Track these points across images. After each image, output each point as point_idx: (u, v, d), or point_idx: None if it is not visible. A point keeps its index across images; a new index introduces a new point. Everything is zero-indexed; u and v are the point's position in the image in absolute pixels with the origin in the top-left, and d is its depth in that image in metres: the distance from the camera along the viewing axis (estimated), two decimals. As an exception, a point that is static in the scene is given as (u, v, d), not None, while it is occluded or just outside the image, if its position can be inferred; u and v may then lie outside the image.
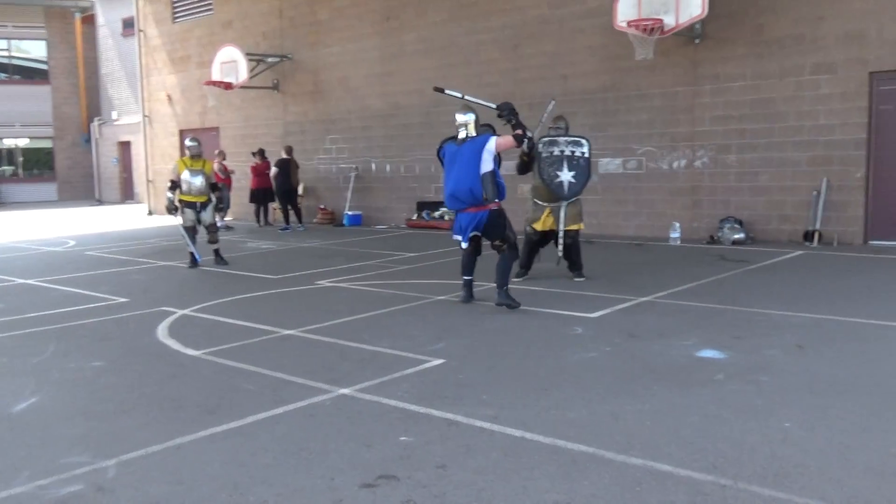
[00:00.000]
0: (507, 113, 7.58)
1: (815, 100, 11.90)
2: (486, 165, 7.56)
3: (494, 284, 7.87)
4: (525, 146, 8.23)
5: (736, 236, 12.16)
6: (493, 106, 7.77)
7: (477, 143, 7.63)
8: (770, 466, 3.79)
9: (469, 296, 8.06)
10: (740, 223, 12.42)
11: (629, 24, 12.17)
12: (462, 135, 7.79)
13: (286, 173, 17.17)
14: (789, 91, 12.11)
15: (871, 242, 11.66)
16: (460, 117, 7.87)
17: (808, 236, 11.80)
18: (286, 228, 17.05)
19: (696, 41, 12.83)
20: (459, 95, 7.97)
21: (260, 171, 18.21)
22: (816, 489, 3.54)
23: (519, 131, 7.56)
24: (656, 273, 9.77)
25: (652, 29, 12.01)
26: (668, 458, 3.91)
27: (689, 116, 13.10)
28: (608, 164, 14.10)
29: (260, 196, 18.35)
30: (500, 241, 7.85)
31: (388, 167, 17.59)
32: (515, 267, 8.78)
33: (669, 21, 11.97)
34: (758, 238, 12.42)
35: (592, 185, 13.99)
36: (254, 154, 18.45)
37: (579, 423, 4.45)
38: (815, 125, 11.91)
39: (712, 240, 12.48)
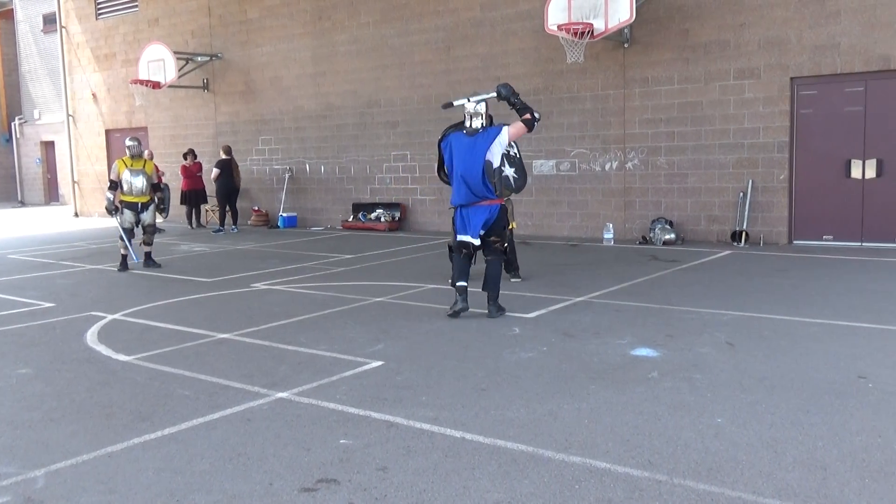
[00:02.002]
0: (508, 93, 7.37)
1: (739, 104, 12.25)
2: (497, 159, 7.29)
3: (437, 285, 7.87)
4: (531, 125, 7.50)
5: (667, 237, 12.44)
6: (493, 94, 7.51)
7: (491, 135, 7.32)
8: (703, 461, 3.88)
9: (466, 304, 7.37)
10: (671, 224, 12.70)
11: (560, 27, 12.34)
12: (476, 124, 7.40)
13: (228, 174, 16.91)
14: (715, 95, 12.44)
15: (795, 242, 12.06)
16: (473, 106, 7.44)
17: (736, 236, 12.14)
18: (219, 230, 16.76)
19: (626, 45, 13.07)
20: (465, 100, 7.68)
21: (191, 173, 17.88)
22: (748, 483, 3.64)
23: (527, 115, 7.28)
24: (591, 273, 9.91)
25: (582, 33, 12.19)
26: (606, 456, 3.97)
27: (619, 119, 13.34)
28: (542, 166, 14.26)
29: (191, 198, 18.02)
30: (499, 238, 7.49)
31: (322, 168, 17.44)
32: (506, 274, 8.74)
33: (599, 25, 12.17)
34: (688, 238, 12.72)
35: (527, 187, 14.14)
36: (184, 155, 18.09)
37: (518, 422, 4.48)
38: (740, 128, 12.26)
39: (644, 240, 12.74)
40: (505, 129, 7.37)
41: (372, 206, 16.52)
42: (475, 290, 7.97)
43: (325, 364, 5.86)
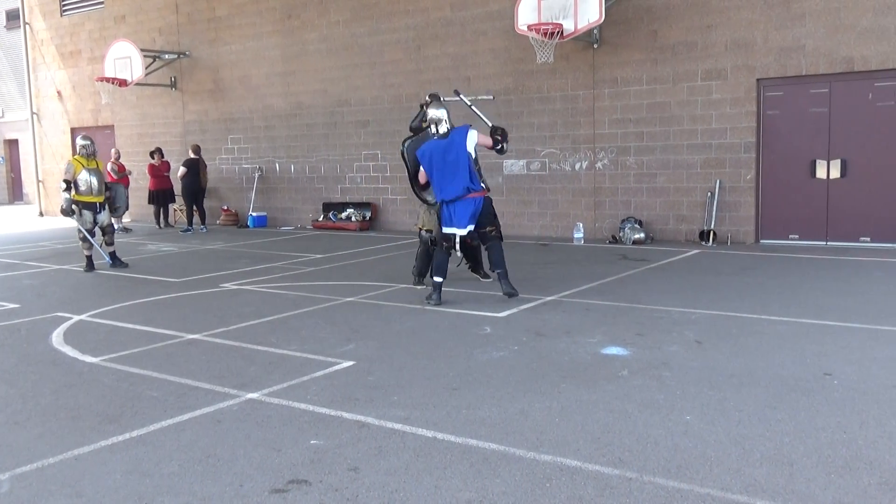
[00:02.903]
0: (499, 133, 8.26)
1: (707, 104, 12.38)
2: (473, 153, 7.93)
3: (410, 284, 7.88)
4: (496, 151, 8.41)
5: (636, 236, 12.54)
6: (489, 123, 8.50)
7: (461, 134, 7.89)
8: (673, 459, 3.92)
9: (440, 301, 7.94)
10: (640, 223, 12.80)
11: (530, 27, 12.38)
12: (442, 129, 7.98)
13: (195, 173, 16.75)
14: (683, 96, 12.56)
15: (762, 241, 12.22)
16: (436, 112, 8.04)
17: (704, 236, 12.27)
18: (188, 230, 16.60)
19: (595, 46, 13.15)
20: (468, 103, 8.62)
21: (158, 172, 17.69)
22: (717, 479, 3.68)
23: (498, 136, 8.22)
24: (561, 272, 9.97)
25: (552, 33, 12.24)
26: (577, 454, 4.00)
27: (589, 119, 13.42)
28: (512, 166, 14.30)
29: (159, 197, 17.84)
30: (492, 226, 8.08)
31: (292, 168, 17.35)
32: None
33: (568, 26, 12.23)
34: (657, 237, 12.83)
35: (498, 186, 14.18)
36: (151, 154, 17.89)
37: (490, 421, 4.50)
38: (708, 129, 12.40)
39: (614, 239, 12.83)
40: (473, 131, 7.97)
41: (342, 206, 16.46)
42: (447, 288, 7.94)
43: (295, 364, 5.84)
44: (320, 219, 16.60)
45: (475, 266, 9.39)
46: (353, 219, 16.07)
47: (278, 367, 5.77)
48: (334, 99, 16.50)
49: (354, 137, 16.31)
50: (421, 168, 8.28)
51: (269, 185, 17.79)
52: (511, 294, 8.03)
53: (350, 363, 5.82)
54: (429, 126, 8.17)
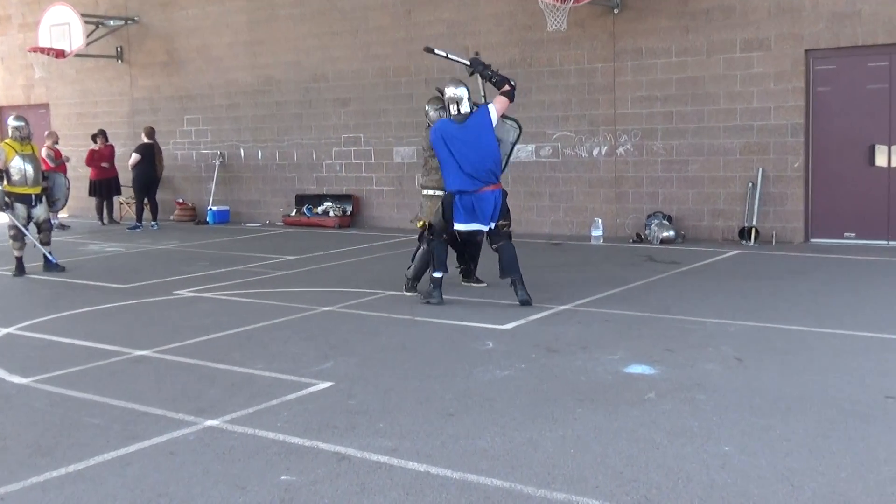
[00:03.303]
0: (480, 67, 8.40)
1: (747, 80, 12.38)
2: (494, 140, 8.27)
3: (401, 291, 7.94)
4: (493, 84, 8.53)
5: (665, 234, 12.53)
6: (467, 62, 8.57)
7: (483, 117, 8.23)
8: (709, 497, 3.90)
9: (442, 299, 8.34)
10: (669, 219, 12.80)
11: (540, -12, 12.36)
12: (465, 109, 8.30)
13: (149, 161, 16.71)
14: (719, 70, 12.56)
15: (812, 240, 12.22)
16: (453, 91, 8.36)
17: (744, 234, 12.27)
18: (136, 227, 16.57)
19: (615, 11, 13.15)
20: (444, 55, 8.76)
21: (102, 158, 17.62)
22: (762, 521, 3.67)
23: (506, 86, 8.30)
24: (577, 277, 9.96)
25: (566, -4, 12.23)
26: (595, 491, 3.98)
27: (609, 97, 13.41)
28: (519, 152, 14.24)
29: (102, 188, 17.80)
30: (507, 222, 8.43)
31: (260, 154, 17.32)
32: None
33: (585, -14, 12.23)
34: (689, 236, 12.83)
35: (503, 176, 14.15)
36: (94, 137, 17.84)
37: (492, 453, 4.48)
38: (748, 108, 12.40)
39: (639, 238, 12.82)
40: (491, 107, 8.30)
41: (319, 199, 16.44)
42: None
43: (263, 385, 5.82)
44: (293, 214, 16.57)
45: (468, 271, 9.35)
46: (332, 214, 16.05)
47: (243, 389, 5.74)
48: (309, 73, 16.47)
49: (333, 118, 16.29)
50: None
51: (232, 174, 17.76)
52: (526, 302, 8.18)
53: (328, 384, 5.80)
54: (447, 107, 8.43)
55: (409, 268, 9.17)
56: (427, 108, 9.21)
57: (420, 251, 9.04)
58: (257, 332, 7.51)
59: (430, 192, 8.92)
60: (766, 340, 6.73)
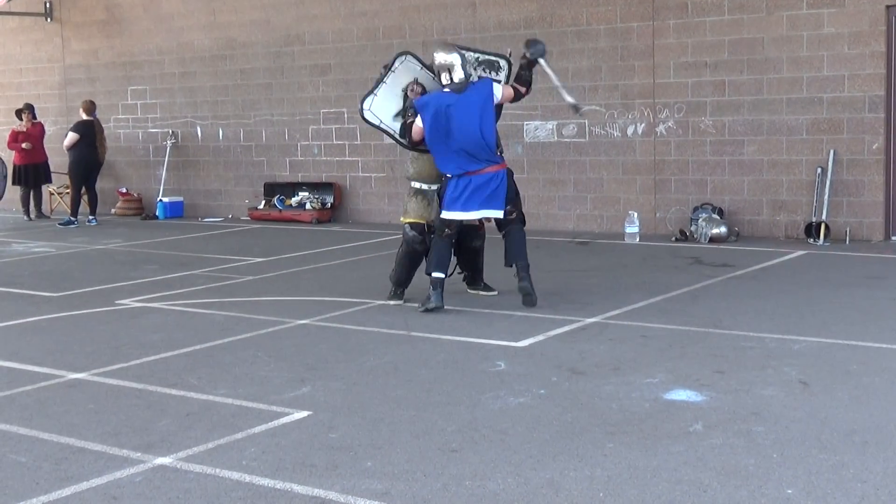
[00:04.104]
0: (540, 52, 8.93)
1: (815, 42, 12.38)
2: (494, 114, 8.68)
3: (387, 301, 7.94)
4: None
5: (715, 230, 12.53)
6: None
7: (484, 88, 8.63)
8: (769, 550, 3.92)
9: (442, 302, 8.60)
10: (721, 213, 12.80)
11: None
12: (459, 76, 8.61)
13: (89, 142, 16.72)
14: (781, 30, 12.57)
15: (894, 239, 12.23)
16: (446, 57, 8.70)
17: (812, 230, 12.27)
18: (71, 223, 16.60)
19: (657, -42, 13.20)
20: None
21: (28, 139, 17.59)
22: (831, 579, 3.69)
23: (525, 89, 8.90)
24: (608, 283, 9.97)
25: (596, -60, 12.27)
26: (631, 544, 4.00)
27: (647, 63, 13.41)
28: (537, 130, 14.31)
29: (28, 175, 17.78)
30: (514, 207, 8.79)
31: (221, 133, 17.33)
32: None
33: (620, -71, 12.27)
34: (744, 233, 12.84)
35: (516, 159, 14.21)
36: (18, 113, 17.85)
37: (505, 497, 4.49)
38: (817, 77, 12.40)
39: (683, 235, 12.83)
40: (496, 85, 8.76)
41: (293, 188, 16.46)
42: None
43: (225, 415, 5.82)
44: (261, 206, 16.58)
45: (474, 276, 9.39)
46: (308, 206, 16.06)
47: (200, 420, 5.74)
48: (280, 34, 16.48)
49: (310, 89, 16.30)
50: (417, 122, 8.67)
51: (187, 158, 17.78)
52: (529, 296, 8.54)
53: (304, 414, 5.80)
54: (438, 75, 8.70)
55: (391, 272, 9.25)
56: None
57: (400, 252, 9.14)
58: (218, 350, 7.49)
59: (420, 184, 9.05)
60: (837, 361, 6.73)
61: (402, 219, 9.24)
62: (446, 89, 8.58)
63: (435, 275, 8.55)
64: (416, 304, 8.75)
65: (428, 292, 8.58)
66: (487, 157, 8.53)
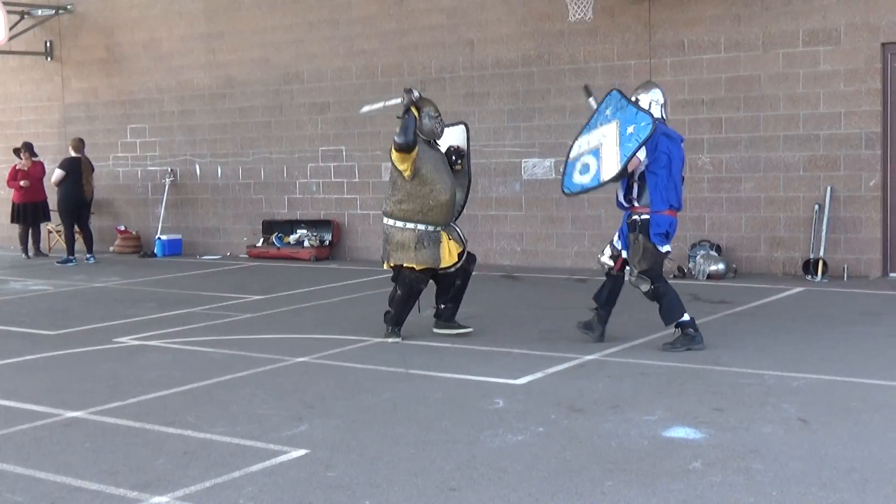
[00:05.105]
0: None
1: (812, 80, 12.46)
2: None
3: (381, 339, 7.85)
4: None
5: (713, 267, 12.55)
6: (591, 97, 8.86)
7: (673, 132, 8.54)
8: (769, 589, 3.90)
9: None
10: (718, 249, 12.83)
11: (561, -30, 12.51)
12: (663, 114, 8.48)
13: (75, 179, 16.72)
14: (777, 67, 12.64)
15: (892, 275, 12.25)
16: (657, 92, 8.54)
17: (810, 267, 12.29)
18: (69, 261, 16.59)
19: (653, -3, 13.30)
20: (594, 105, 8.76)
21: (27, 178, 17.61)
22: None
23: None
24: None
25: (592, -21, 12.36)
26: (630, 583, 3.98)
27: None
28: (534, 167, 14.35)
29: (27, 214, 17.76)
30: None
31: (219, 171, 17.37)
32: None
33: (616, -32, 12.36)
34: (742, 269, 12.85)
35: (514, 196, 14.24)
36: (17, 151, 17.89)
37: (504, 536, 4.48)
38: (814, 114, 12.46)
39: (681, 272, 12.84)
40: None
41: (291, 226, 16.49)
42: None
43: (223, 454, 5.81)
44: (259, 244, 16.60)
45: (448, 313, 9.31)
46: (307, 244, 16.08)
47: (198, 459, 5.73)
48: (280, 72, 16.56)
49: (308, 127, 16.37)
50: (643, 153, 8.22)
51: (185, 195, 17.81)
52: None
53: (302, 452, 5.79)
54: (655, 109, 8.40)
55: (388, 313, 9.22)
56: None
57: (405, 295, 9.02)
58: (216, 388, 7.49)
59: (405, 224, 8.93)
60: (836, 398, 6.73)
61: (405, 264, 8.98)
62: (664, 124, 8.43)
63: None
64: (414, 341, 8.74)
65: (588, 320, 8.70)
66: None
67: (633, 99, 8.38)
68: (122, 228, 18.28)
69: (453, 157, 9.18)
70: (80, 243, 17.02)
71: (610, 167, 8.23)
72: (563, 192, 8.80)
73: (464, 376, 7.63)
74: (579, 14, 12.84)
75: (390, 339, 9.05)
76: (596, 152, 8.37)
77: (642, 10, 13.40)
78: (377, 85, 15.41)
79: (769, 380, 7.27)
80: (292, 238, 16.33)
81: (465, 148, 9.27)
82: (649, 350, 8.44)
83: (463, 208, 9.50)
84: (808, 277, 12.24)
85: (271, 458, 5.69)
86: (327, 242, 16.08)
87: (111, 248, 18.20)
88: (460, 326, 9.29)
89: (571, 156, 8.64)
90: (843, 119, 12.34)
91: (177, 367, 8.31)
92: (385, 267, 9.33)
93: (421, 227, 8.92)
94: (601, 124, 8.42)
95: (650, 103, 8.35)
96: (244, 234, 17.10)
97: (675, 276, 12.75)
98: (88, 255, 16.86)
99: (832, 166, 12.42)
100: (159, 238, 17.55)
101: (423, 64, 15.02)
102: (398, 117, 9.06)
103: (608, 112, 8.41)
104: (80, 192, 16.80)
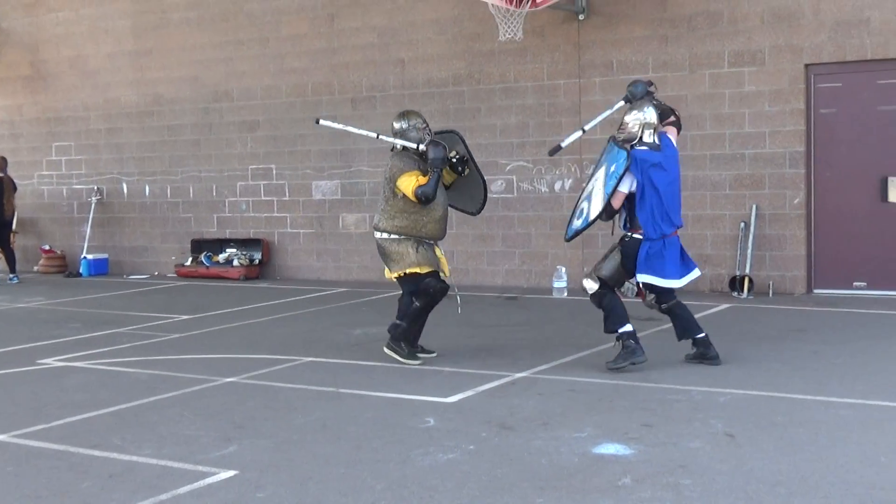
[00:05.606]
0: (643, 91, 8.70)
1: (737, 100, 12.67)
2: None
3: (316, 358, 7.77)
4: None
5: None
6: (620, 102, 9.00)
7: (673, 147, 8.54)
8: None
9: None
10: (646, 267, 12.96)
11: (490, -11, 12.57)
12: (653, 138, 8.38)
13: None
14: (704, 88, 12.84)
15: (816, 291, 12.45)
16: (650, 114, 8.43)
17: (737, 284, 12.47)
18: (-10, 281, 16.34)
19: (581, 17, 13.40)
20: (580, 132, 9.29)
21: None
22: None
23: (673, 115, 8.88)
24: (536, 338, 10.05)
25: (521, -1, 12.44)
26: None
27: (573, 120, 13.57)
28: (466, 186, 14.37)
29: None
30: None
31: (147, 189, 17.20)
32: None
33: (544, -12, 12.45)
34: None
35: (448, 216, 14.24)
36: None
37: (435, 555, 4.47)
38: (739, 133, 12.67)
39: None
40: (670, 137, 8.59)
41: (220, 245, 16.39)
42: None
43: (149, 476, 5.74)
44: (188, 263, 16.46)
45: (398, 336, 8.96)
46: (236, 263, 15.98)
47: (124, 482, 5.66)
48: (209, 90, 16.45)
49: (238, 145, 16.28)
50: (627, 181, 8.30)
51: (112, 214, 17.61)
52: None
53: (231, 473, 5.74)
54: (641, 133, 8.37)
55: (397, 327, 8.81)
56: (400, 124, 8.91)
57: (417, 307, 8.71)
58: (143, 409, 7.40)
59: (400, 236, 8.71)
60: (762, 412, 6.82)
61: (405, 271, 8.70)
62: (652, 149, 8.30)
63: (629, 330, 8.38)
64: (345, 360, 8.70)
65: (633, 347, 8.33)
66: (678, 221, 8.55)
67: (623, 119, 8.50)
68: (47, 248, 18.02)
69: (458, 167, 8.92)
70: (2, 263, 16.76)
71: (596, 206, 8.40)
72: (565, 239, 9.13)
73: (395, 395, 7.62)
74: (509, 34, 12.90)
75: (408, 362, 8.70)
76: (589, 196, 8.56)
77: (571, 31, 13.54)
78: (308, 103, 15.38)
79: (696, 395, 7.35)
80: (221, 257, 16.22)
81: (465, 151, 9.01)
82: (579, 367, 8.48)
83: (483, 206, 9.38)
84: (735, 294, 12.42)
85: (200, 480, 5.63)
86: (257, 261, 15.99)
87: (35, 268, 17.94)
88: (424, 350, 9.01)
89: (580, 198, 8.82)
90: (767, 138, 12.55)
91: (102, 388, 8.20)
92: (390, 277, 8.96)
93: (415, 238, 8.71)
94: (596, 171, 8.59)
95: (641, 128, 8.34)
96: (172, 253, 16.94)
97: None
98: (12, 275, 16.59)
99: (757, 185, 12.62)
100: (85, 257, 17.34)
101: (353, 83, 15.03)
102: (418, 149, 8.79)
103: (602, 158, 8.56)
104: (1, 211, 16.54)
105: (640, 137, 8.31)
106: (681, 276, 8.51)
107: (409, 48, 14.66)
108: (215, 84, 16.37)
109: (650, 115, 8.40)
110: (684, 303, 8.70)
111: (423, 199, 8.51)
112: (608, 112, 9.21)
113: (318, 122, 9.75)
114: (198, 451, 6.21)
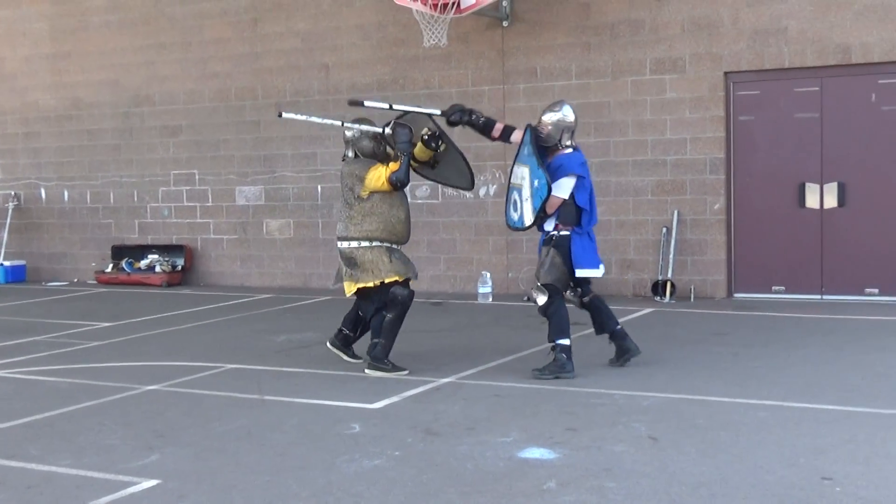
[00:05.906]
0: (463, 116, 8.80)
1: (658, 106, 12.83)
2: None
3: (240, 364, 7.73)
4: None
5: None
6: (437, 111, 8.97)
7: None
8: None
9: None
10: (570, 272, 13.06)
11: (414, -4, 12.59)
12: (572, 140, 8.52)
13: None
14: (626, 94, 12.99)
15: (736, 296, 12.66)
16: (571, 117, 8.52)
17: (658, 288, 12.62)
18: None
19: (504, 24, 13.48)
20: (386, 106, 8.89)
21: None
22: None
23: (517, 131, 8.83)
24: (461, 343, 10.09)
25: (444, 5, 12.46)
26: None
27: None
28: (390, 191, 14.37)
29: None
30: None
31: (66, 195, 16.95)
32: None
33: (468, -6, 12.50)
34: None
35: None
36: None
37: (360, 562, 4.46)
38: (661, 140, 12.83)
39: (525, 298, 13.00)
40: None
41: (142, 251, 16.22)
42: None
43: (68, 487, 5.65)
44: (108, 269, 16.28)
45: (348, 339, 8.90)
46: (158, 269, 15.82)
47: (42, 493, 5.57)
48: (130, 94, 16.26)
49: (160, 150, 16.10)
50: (565, 186, 8.36)
51: (30, 220, 17.33)
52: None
53: (153, 482, 5.67)
54: (559, 139, 8.42)
55: (375, 346, 8.54)
56: (354, 127, 8.83)
57: (391, 319, 8.48)
58: (60, 419, 7.28)
59: (371, 243, 8.46)
60: (683, 415, 6.90)
61: (384, 279, 8.44)
62: (570, 151, 8.45)
63: (566, 343, 8.37)
64: (268, 367, 8.64)
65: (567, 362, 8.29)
66: None
67: (539, 118, 8.54)
68: (-38, 254, 17.71)
69: (432, 144, 8.62)
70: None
71: (528, 214, 8.41)
72: (507, 225, 8.90)
73: (319, 401, 7.58)
74: (434, 40, 12.94)
75: (397, 374, 8.43)
76: (520, 192, 8.49)
77: (496, 37, 13.61)
78: (231, 108, 15.28)
79: (620, 399, 7.41)
80: (143, 263, 16.06)
81: (436, 127, 8.77)
82: (504, 372, 8.52)
83: (473, 178, 9.36)
84: (657, 299, 12.57)
85: (121, 490, 5.55)
86: (179, 268, 15.83)
87: (-50, 275, 17.61)
88: (355, 355, 8.86)
89: (511, 182, 8.67)
90: (689, 145, 12.73)
91: (18, 397, 8.07)
92: (348, 294, 8.68)
93: (387, 244, 8.52)
94: (521, 163, 8.51)
95: (561, 132, 8.40)
96: (92, 259, 16.72)
97: (528, 299, 12.85)
98: (-75, 283, 16.27)
99: (679, 191, 12.79)
100: (2, 264, 17.07)
101: (277, 87, 14.95)
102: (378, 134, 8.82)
103: (525, 151, 8.46)
104: None
105: (560, 141, 8.40)
106: (600, 265, 8.84)
107: (332, 53, 14.62)
108: (136, 88, 16.19)
109: (568, 114, 8.48)
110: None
111: (398, 184, 8.48)
112: (420, 110, 9.21)
113: (280, 115, 9.55)
114: (118, 461, 6.12)
